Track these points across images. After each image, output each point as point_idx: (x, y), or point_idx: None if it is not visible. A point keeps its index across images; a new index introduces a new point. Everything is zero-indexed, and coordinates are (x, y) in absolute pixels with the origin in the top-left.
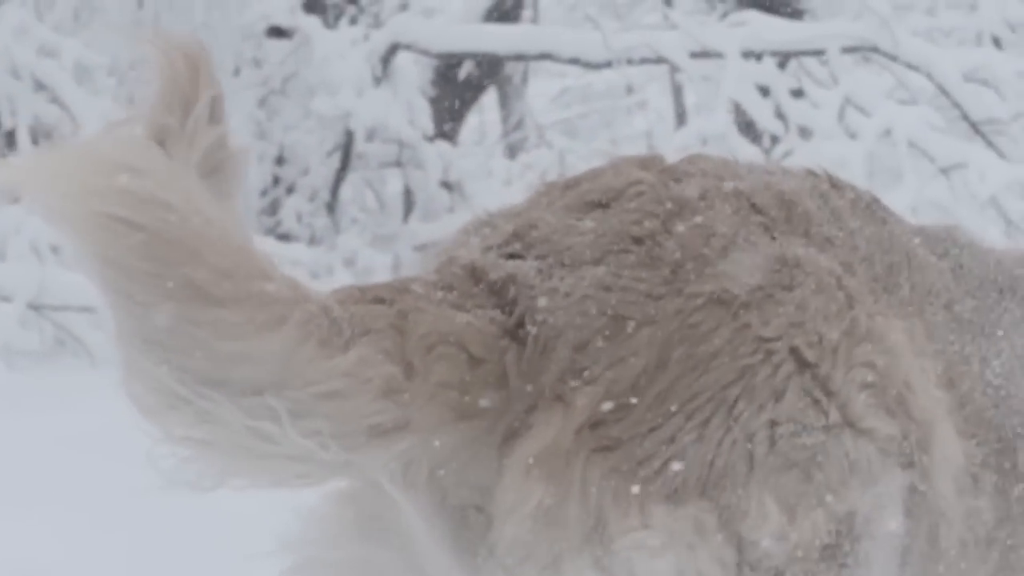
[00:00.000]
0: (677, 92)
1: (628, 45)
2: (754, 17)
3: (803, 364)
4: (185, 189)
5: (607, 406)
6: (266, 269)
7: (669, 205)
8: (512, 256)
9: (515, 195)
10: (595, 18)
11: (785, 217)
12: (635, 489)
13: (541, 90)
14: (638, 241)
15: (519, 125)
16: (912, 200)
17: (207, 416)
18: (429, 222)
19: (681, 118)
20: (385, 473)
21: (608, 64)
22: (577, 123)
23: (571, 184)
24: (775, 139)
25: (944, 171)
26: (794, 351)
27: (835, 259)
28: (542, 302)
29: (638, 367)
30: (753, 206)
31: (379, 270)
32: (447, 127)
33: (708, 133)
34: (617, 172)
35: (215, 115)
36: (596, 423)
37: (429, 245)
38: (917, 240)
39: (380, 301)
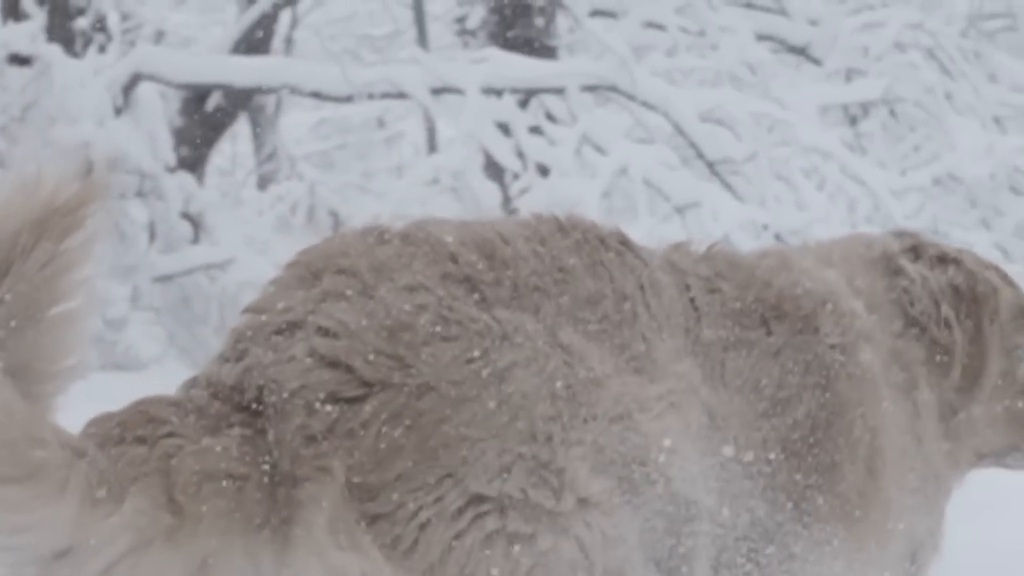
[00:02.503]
0: (431, 126)
1: (370, 80)
2: (495, 54)
3: (522, 443)
4: None
5: (353, 479)
6: (43, 434)
7: (371, 266)
8: (246, 352)
9: (265, 226)
10: (353, 52)
11: (490, 266)
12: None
13: (299, 121)
14: (346, 298)
15: (272, 156)
16: (646, 238)
17: None
18: (170, 253)
19: (435, 151)
20: None
21: (350, 98)
22: (333, 155)
23: (301, 254)
24: (516, 175)
25: (679, 210)
26: (512, 437)
27: (548, 313)
28: (272, 371)
29: (370, 443)
30: (457, 261)
31: (117, 301)
32: (192, 158)
33: (452, 168)
34: (337, 239)
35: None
36: (354, 495)
37: (169, 277)
38: (659, 263)
39: (142, 441)
